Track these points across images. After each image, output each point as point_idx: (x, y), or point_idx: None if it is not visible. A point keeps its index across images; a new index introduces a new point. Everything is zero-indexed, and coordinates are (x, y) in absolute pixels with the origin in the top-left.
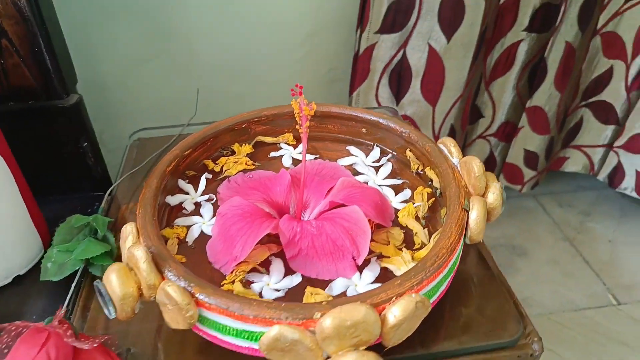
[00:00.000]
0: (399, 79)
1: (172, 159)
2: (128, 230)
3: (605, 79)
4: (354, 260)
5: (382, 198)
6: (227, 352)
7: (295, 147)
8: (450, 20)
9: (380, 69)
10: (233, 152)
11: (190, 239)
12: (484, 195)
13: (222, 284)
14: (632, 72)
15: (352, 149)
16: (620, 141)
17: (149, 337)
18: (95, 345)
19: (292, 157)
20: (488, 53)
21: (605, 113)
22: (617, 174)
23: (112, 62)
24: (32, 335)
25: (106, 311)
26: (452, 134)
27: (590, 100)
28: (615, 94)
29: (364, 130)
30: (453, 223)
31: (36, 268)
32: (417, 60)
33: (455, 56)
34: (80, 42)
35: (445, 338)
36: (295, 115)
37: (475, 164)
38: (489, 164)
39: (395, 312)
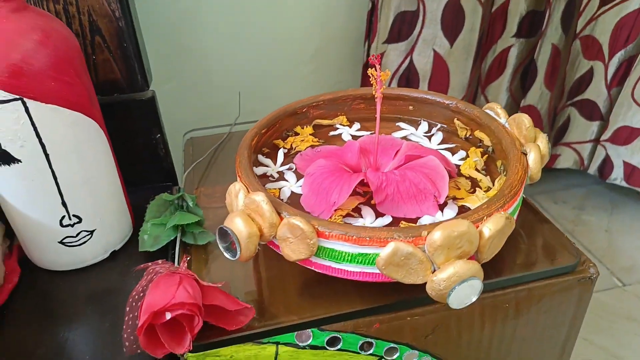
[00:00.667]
0: (408, 82)
1: (254, 136)
2: (237, 187)
3: (587, 78)
4: (436, 199)
5: (442, 156)
6: (326, 291)
7: (350, 127)
8: (452, 26)
9: (389, 75)
10: (296, 134)
11: (282, 198)
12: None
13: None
14: (610, 71)
15: (402, 124)
16: (606, 135)
17: (252, 284)
18: (216, 285)
19: (350, 135)
20: (482, 59)
21: (589, 110)
22: (606, 166)
23: None
24: (168, 276)
25: (228, 255)
26: None
27: (575, 99)
28: (597, 92)
29: (410, 107)
30: (517, 162)
31: (128, 244)
32: (424, 65)
33: (458, 59)
34: None
35: (518, 265)
36: (369, 87)
37: (525, 118)
38: None
39: (489, 226)
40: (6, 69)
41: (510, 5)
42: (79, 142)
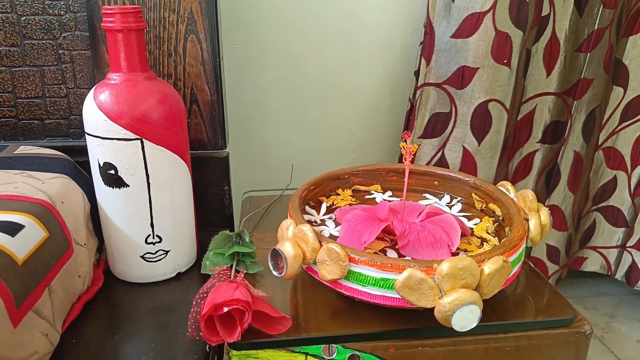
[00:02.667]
0: None
1: (304, 189)
2: (288, 222)
3: (610, 186)
4: (449, 248)
5: (459, 219)
6: (351, 315)
7: (383, 193)
8: (480, 127)
9: (417, 148)
10: (338, 194)
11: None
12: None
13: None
14: (634, 181)
15: (427, 195)
16: (632, 241)
17: (290, 305)
18: (265, 295)
19: (383, 199)
20: (509, 160)
21: (614, 216)
22: (633, 272)
23: None
24: (227, 283)
25: (276, 272)
26: None
27: (600, 205)
28: (621, 200)
29: (436, 182)
30: (519, 225)
31: (191, 268)
32: (454, 159)
33: (484, 156)
34: None
35: (519, 314)
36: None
37: (530, 193)
38: None
39: (489, 265)
40: (135, 117)
41: (536, 114)
42: (173, 178)
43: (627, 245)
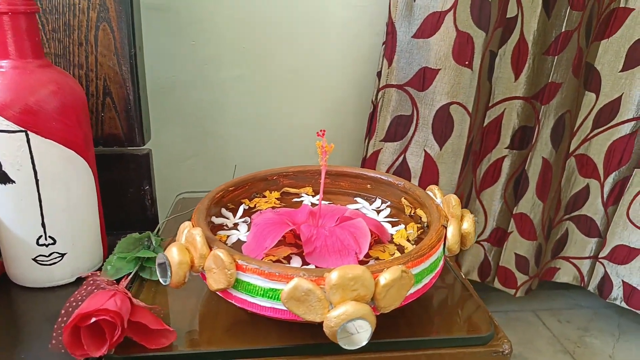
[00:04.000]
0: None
1: (219, 191)
2: (185, 225)
3: (583, 195)
4: (357, 255)
5: (380, 224)
6: (250, 329)
7: (313, 196)
8: (441, 131)
9: (384, 170)
10: (264, 197)
11: (228, 242)
12: (460, 222)
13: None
14: (606, 189)
15: (358, 199)
16: (604, 252)
17: (187, 316)
18: (146, 307)
19: (311, 202)
20: (477, 166)
21: (587, 226)
22: (605, 284)
23: (159, 159)
24: (104, 290)
25: (162, 280)
26: None
27: (573, 214)
28: (594, 209)
29: (368, 186)
30: (434, 232)
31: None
32: (415, 164)
33: (446, 161)
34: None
35: (434, 329)
36: (314, 168)
37: (453, 198)
38: (484, 268)
39: (385, 276)
40: (20, 107)
41: (504, 119)
42: (66, 175)
43: (599, 256)
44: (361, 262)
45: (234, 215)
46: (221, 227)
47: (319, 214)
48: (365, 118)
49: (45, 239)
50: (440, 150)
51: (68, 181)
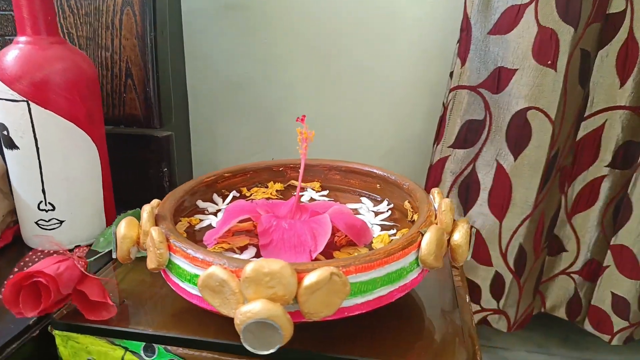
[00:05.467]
0: (468, 190)
1: (211, 175)
2: (152, 202)
3: None
4: (310, 254)
5: (363, 225)
6: (198, 314)
7: (318, 191)
8: (516, 140)
9: (450, 180)
10: (266, 187)
11: (198, 226)
12: (451, 232)
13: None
14: None
15: (364, 199)
16: None
17: (146, 295)
18: (97, 278)
19: (311, 197)
20: (568, 185)
21: None
22: None
23: (228, 153)
24: (57, 256)
25: (113, 254)
26: (521, 254)
27: None
28: None
29: (378, 185)
30: (404, 238)
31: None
32: (485, 175)
33: (522, 175)
34: (205, 135)
35: (396, 351)
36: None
37: (444, 202)
38: (574, 305)
39: (311, 277)
40: (26, 80)
41: (604, 132)
42: (66, 146)
43: None
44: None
45: (223, 202)
46: (203, 211)
47: (296, 208)
48: (437, 121)
49: (45, 205)
50: (515, 161)
51: (67, 152)
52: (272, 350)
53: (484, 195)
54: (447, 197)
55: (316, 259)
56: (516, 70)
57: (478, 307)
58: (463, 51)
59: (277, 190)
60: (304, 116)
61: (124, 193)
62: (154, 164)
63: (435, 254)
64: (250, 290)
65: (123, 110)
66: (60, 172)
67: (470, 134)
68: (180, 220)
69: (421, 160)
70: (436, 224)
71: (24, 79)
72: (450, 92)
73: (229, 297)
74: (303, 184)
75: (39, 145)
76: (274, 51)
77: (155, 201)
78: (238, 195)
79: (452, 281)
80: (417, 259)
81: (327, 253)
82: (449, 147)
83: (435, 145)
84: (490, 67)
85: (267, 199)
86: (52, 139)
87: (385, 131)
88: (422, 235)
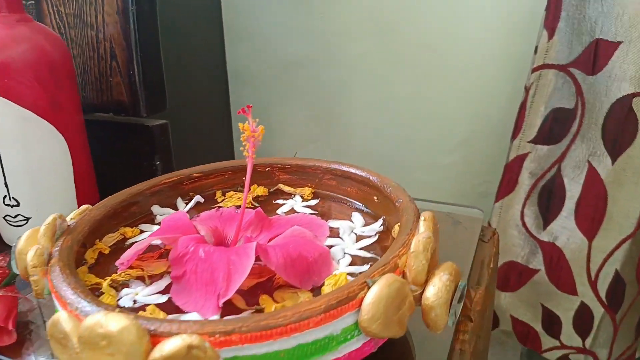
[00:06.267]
0: (550, 198)
1: (174, 175)
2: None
3: None
4: (219, 299)
5: (318, 260)
6: None
7: (308, 200)
8: (617, 136)
9: (528, 183)
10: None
11: (133, 240)
12: (425, 284)
13: (105, 278)
14: None
15: (355, 215)
16: None
17: None
18: (10, 298)
19: (292, 207)
20: None
21: None
22: None
23: (285, 140)
24: None
25: (14, 269)
26: (617, 283)
27: None
28: None
29: (375, 198)
30: (339, 291)
31: None
32: (572, 180)
33: (622, 182)
34: (263, 120)
35: None
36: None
37: (419, 239)
38: None
39: (161, 347)
40: None
41: None
42: (26, 137)
43: None
44: (227, 312)
45: (181, 209)
46: (154, 219)
47: (240, 223)
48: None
49: (10, 200)
50: (613, 164)
51: (27, 143)
52: None
53: (570, 206)
54: (523, 205)
55: (232, 306)
56: (620, 43)
57: (557, 343)
58: (551, 19)
59: (257, 196)
60: (249, 106)
61: (114, 187)
62: (146, 157)
63: (382, 319)
64: (85, 355)
65: (110, 95)
66: (20, 165)
67: (556, 127)
68: (118, 230)
69: (500, 156)
70: (401, 271)
71: None
72: (533, 72)
73: (73, 356)
74: (292, 190)
75: None
76: (332, 27)
77: (84, 207)
78: (203, 200)
79: (452, 343)
80: (356, 323)
81: (269, 291)
82: (528, 142)
83: (512, 139)
84: (586, 40)
85: (237, 207)
86: (9, 129)
87: (457, 119)
88: (369, 287)
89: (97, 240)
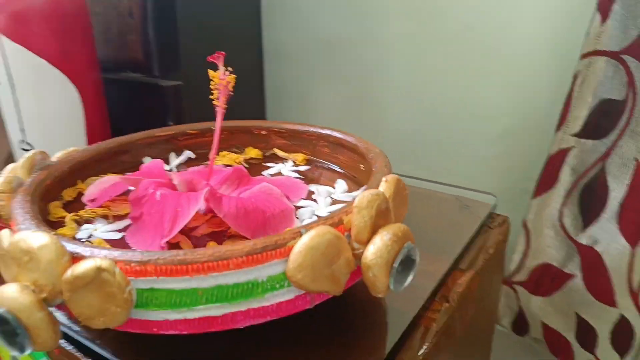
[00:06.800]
0: (591, 198)
1: (168, 130)
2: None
3: None
4: (163, 240)
5: (281, 215)
6: None
7: (299, 165)
8: None
9: (570, 181)
10: (238, 153)
11: None
12: (366, 243)
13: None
14: None
15: (340, 181)
16: None
17: None
18: None
19: (279, 171)
20: None
21: None
22: None
23: (318, 119)
24: None
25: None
26: None
27: None
28: None
29: (361, 166)
30: (269, 238)
31: None
32: (618, 179)
33: None
34: (298, 99)
35: None
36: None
37: (365, 195)
38: None
39: (74, 268)
40: (2, 12)
41: None
42: (39, 84)
43: None
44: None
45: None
46: None
47: (209, 171)
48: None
49: (25, 144)
50: None
51: (40, 90)
52: (22, 354)
53: (613, 207)
54: (562, 204)
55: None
56: None
57: (592, 358)
58: (606, 1)
59: (251, 158)
60: (221, 53)
61: None
62: (158, 117)
63: (309, 270)
64: (12, 270)
65: (127, 53)
66: (35, 111)
67: (604, 120)
68: (104, 175)
69: (545, 152)
70: (346, 229)
71: (2, 10)
72: (582, 58)
73: (8, 273)
74: (285, 155)
75: (14, 82)
76: (369, 5)
77: (71, 148)
78: (194, 157)
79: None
80: (284, 272)
81: (219, 239)
82: (572, 135)
83: (556, 131)
84: None
85: (226, 165)
86: (23, 74)
87: (500, 107)
88: (301, 236)
89: (79, 180)
